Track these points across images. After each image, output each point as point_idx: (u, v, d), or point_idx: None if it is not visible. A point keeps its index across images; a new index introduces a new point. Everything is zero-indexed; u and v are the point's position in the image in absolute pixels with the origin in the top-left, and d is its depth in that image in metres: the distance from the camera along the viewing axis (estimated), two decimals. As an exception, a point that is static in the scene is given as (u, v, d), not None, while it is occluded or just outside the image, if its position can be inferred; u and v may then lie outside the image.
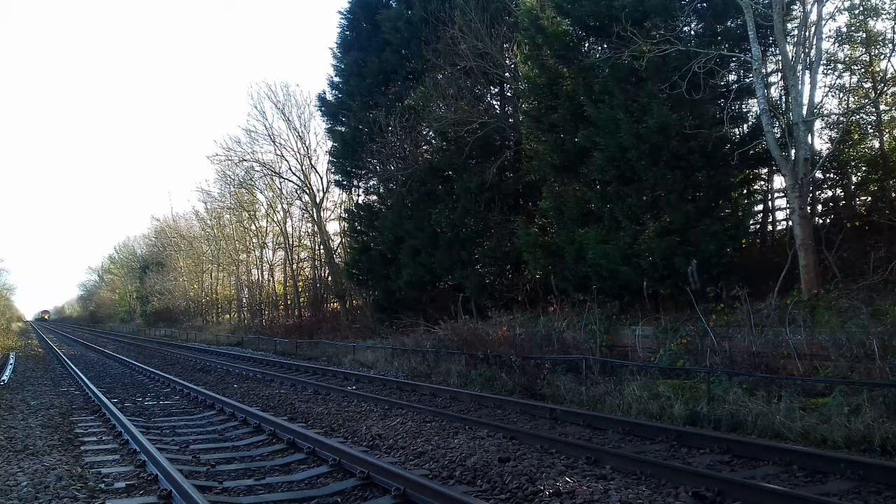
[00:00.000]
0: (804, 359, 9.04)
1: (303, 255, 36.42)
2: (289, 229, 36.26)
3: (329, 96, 24.94)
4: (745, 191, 12.96)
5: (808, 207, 11.29)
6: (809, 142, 11.39)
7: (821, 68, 11.90)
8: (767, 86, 11.99)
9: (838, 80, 13.32)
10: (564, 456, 6.74)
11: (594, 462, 6.39)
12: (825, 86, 13.29)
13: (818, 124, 12.66)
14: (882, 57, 12.77)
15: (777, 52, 12.02)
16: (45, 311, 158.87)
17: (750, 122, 13.00)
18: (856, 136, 12.87)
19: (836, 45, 13.16)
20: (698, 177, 11.95)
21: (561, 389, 10.26)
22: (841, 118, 12.69)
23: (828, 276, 10.65)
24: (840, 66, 13.22)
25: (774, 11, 10.74)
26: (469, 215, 18.11)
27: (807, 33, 11.30)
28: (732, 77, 13.05)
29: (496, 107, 19.89)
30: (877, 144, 12.84)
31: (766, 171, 13.61)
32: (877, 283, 9.85)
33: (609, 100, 12.61)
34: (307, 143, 31.54)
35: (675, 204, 11.75)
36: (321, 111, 25.51)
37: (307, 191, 31.56)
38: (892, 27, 12.15)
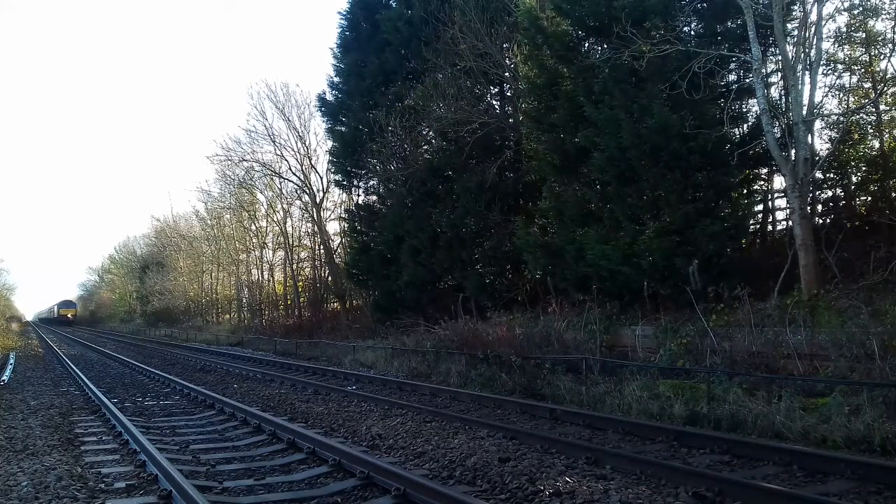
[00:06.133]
0: (804, 359, 9.03)
1: (303, 255, 36.43)
2: (289, 229, 36.29)
3: (329, 96, 24.97)
4: (745, 191, 12.96)
5: (808, 207, 11.29)
6: (809, 142, 11.40)
7: (821, 68, 11.91)
8: (767, 86, 11.99)
9: (838, 81, 13.35)
10: (564, 456, 6.74)
11: (594, 462, 6.39)
12: (825, 86, 13.32)
13: (818, 124, 12.69)
14: (882, 57, 12.79)
15: (777, 52, 12.02)
16: (69, 304, 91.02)
17: (750, 122, 13.01)
18: (856, 136, 12.87)
19: (836, 45, 13.19)
20: (698, 177, 11.95)
21: (561, 389, 10.26)
22: (841, 118, 12.70)
23: (828, 276, 10.65)
24: (840, 66, 13.23)
25: (774, 12, 10.74)
26: (469, 215, 18.11)
27: (807, 33, 11.31)
28: (732, 77, 13.05)
29: (496, 107, 19.90)
30: (877, 144, 12.84)
31: (766, 171, 13.62)
32: (877, 283, 9.86)
33: (609, 100, 12.61)
34: (307, 143, 31.60)
35: (675, 204, 11.75)
36: (321, 111, 25.55)
37: (307, 191, 31.58)
38: (892, 27, 12.17)
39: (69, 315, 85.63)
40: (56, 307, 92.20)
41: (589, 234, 13.17)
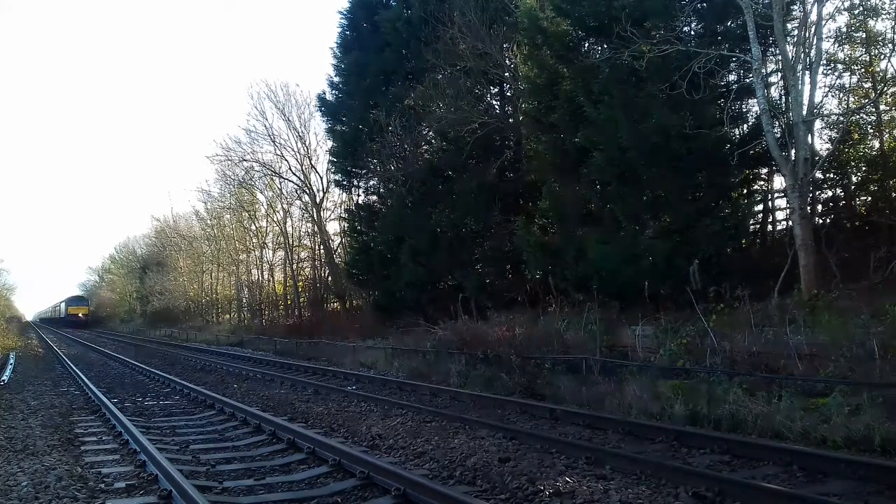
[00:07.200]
0: (804, 359, 9.03)
1: (303, 255, 36.42)
2: (289, 229, 36.27)
3: (329, 96, 24.97)
4: (745, 191, 12.98)
5: (808, 207, 11.30)
6: (809, 142, 11.40)
7: (821, 68, 11.92)
8: (767, 86, 12.00)
9: (838, 80, 13.38)
10: (564, 456, 6.74)
11: (594, 462, 6.39)
12: (825, 86, 13.34)
13: (818, 124, 12.71)
14: (882, 57, 12.81)
15: (777, 52, 12.03)
16: (79, 302, 73.53)
17: (750, 122, 13.02)
18: (856, 136, 12.88)
19: (836, 45, 13.20)
20: (698, 177, 11.97)
21: (561, 389, 10.26)
22: (841, 118, 12.70)
23: (828, 276, 10.65)
24: (840, 66, 13.25)
25: (774, 12, 10.74)
26: (469, 215, 18.11)
27: (807, 33, 11.32)
28: (732, 77, 13.07)
29: (496, 107, 19.91)
30: (877, 144, 12.85)
31: (766, 171, 13.63)
32: (877, 283, 9.86)
33: (609, 100, 12.61)
34: (307, 143, 31.57)
35: (675, 204, 11.76)
36: (321, 111, 25.55)
37: (307, 191, 31.57)
38: (892, 27, 12.17)
39: (80, 314, 69.18)
40: (63, 304, 75.08)
41: (589, 234, 13.17)
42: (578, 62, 13.77)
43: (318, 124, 40.38)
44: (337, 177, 26.16)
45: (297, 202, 34.48)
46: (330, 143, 26.01)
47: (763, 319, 10.19)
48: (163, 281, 54.41)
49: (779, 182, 13.50)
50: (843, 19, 13.40)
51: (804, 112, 10.86)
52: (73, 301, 74.17)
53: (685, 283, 11.08)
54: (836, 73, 13.33)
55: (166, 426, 9.43)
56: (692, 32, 13.14)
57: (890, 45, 12.26)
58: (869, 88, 13.12)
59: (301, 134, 31.48)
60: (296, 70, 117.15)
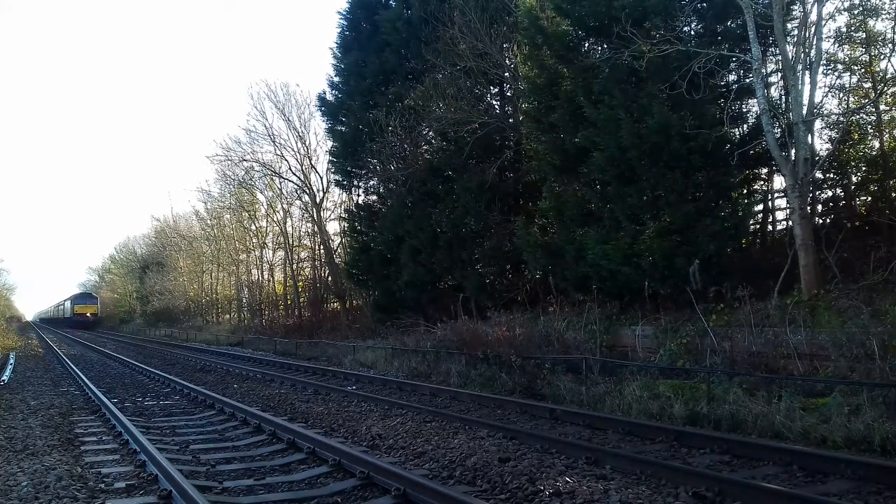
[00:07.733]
0: (804, 359, 9.03)
1: (303, 255, 36.42)
2: (289, 229, 36.28)
3: (329, 96, 24.95)
4: (745, 191, 12.96)
5: (808, 207, 11.29)
6: (809, 142, 11.39)
7: (821, 68, 11.91)
8: (767, 86, 11.99)
9: (838, 80, 13.34)
10: (564, 456, 6.74)
11: (594, 462, 6.39)
12: (825, 86, 13.32)
13: (818, 124, 12.68)
14: (882, 57, 12.79)
15: (777, 52, 12.02)
16: (87, 299, 67.21)
17: (750, 122, 13.01)
18: (856, 136, 12.86)
19: (836, 45, 13.18)
20: (698, 177, 11.95)
21: (561, 389, 10.27)
22: (841, 118, 12.70)
23: (828, 276, 10.65)
24: (840, 66, 13.23)
25: (774, 11, 10.74)
26: (469, 215, 18.11)
27: (807, 33, 11.31)
28: (732, 77, 13.06)
29: (496, 107, 19.90)
30: (877, 144, 12.84)
31: (766, 171, 13.61)
32: (877, 283, 9.86)
33: (609, 100, 12.61)
34: (307, 143, 31.58)
35: (675, 204, 11.75)
36: (321, 111, 25.53)
37: (307, 191, 31.57)
38: (892, 27, 12.16)
39: (88, 314, 63.46)
40: (69, 303, 67.86)
41: (589, 234, 13.17)
42: (578, 62, 13.76)
43: (318, 124, 40.57)
44: (337, 177, 26.15)
45: (297, 202, 34.54)
46: (330, 143, 26.03)
47: (763, 319, 10.19)
48: (163, 281, 54.42)
49: (779, 182, 13.50)
50: (843, 19, 13.42)
51: (804, 112, 10.85)
52: (80, 299, 68.31)
53: (685, 283, 11.07)
54: (836, 73, 13.32)
55: (166, 426, 9.44)
56: (692, 32, 13.12)
57: (890, 45, 12.27)
58: (869, 88, 13.10)
59: (301, 134, 31.53)
60: (296, 70, 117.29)
